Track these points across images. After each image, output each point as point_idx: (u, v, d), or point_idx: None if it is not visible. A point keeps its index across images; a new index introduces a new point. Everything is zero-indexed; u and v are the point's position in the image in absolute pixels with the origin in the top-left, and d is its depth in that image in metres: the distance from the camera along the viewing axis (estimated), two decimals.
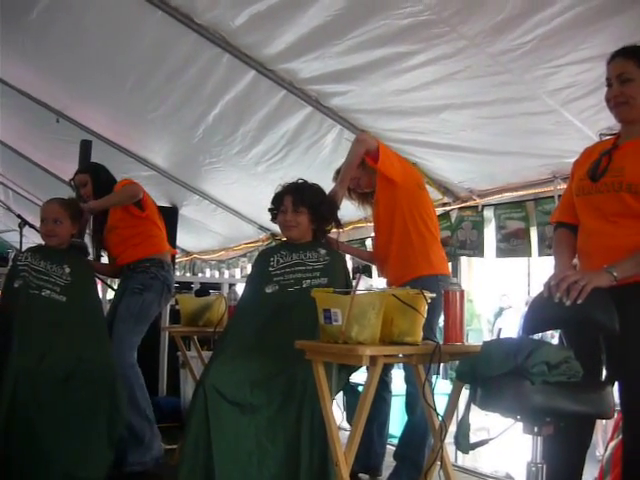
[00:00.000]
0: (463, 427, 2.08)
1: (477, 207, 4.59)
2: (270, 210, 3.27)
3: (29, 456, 3.10)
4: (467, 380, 2.08)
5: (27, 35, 4.77)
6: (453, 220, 4.74)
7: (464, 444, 2.10)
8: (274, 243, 3.58)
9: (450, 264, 4.60)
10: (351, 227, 5.51)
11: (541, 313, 2.23)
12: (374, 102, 4.13)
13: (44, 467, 3.10)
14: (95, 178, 3.91)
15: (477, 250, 4.59)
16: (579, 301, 2.07)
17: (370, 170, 3.38)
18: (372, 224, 4.62)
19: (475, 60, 3.35)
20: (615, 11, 2.79)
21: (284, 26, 3.72)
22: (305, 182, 3.25)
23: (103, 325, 3.55)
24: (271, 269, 3.13)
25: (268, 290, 3.06)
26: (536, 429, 2.00)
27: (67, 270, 3.52)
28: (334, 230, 3.38)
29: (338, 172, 3.57)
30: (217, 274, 7.92)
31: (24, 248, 3.93)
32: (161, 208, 6.66)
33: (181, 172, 6.30)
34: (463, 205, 4.70)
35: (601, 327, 2.11)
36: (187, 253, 8.58)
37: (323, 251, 3.15)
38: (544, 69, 3.22)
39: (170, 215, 6.73)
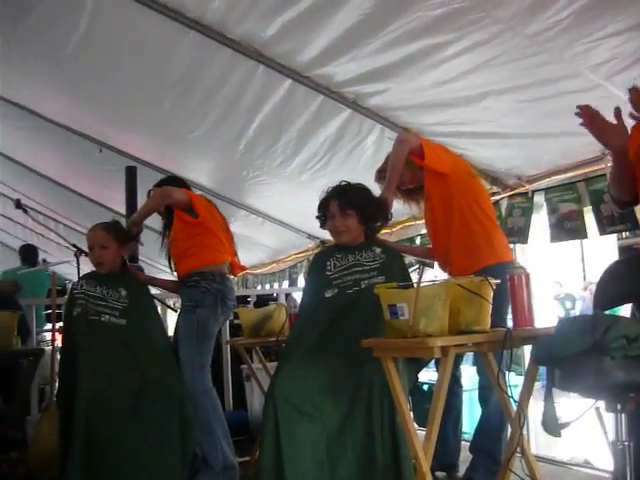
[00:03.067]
0: (549, 410, 2.05)
1: (527, 193, 4.52)
2: (318, 217, 3.26)
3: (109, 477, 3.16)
4: (544, 362, 2.04)
5: (64, 69, 4.88)
6: (503, 209, 4.68)
7: (553, 427, 2.07)
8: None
9: None
10: (400, 227, 5.48)
11: (610, 289, 2.19)
12: (413, 97, 4.10)
13: None
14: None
15: (522, 236, 4.51)
16: None
17: (413, 166, 3.35)
18: (420, 222, 4.58)
19: (512, 43, 3.31)
20: None
21: (315, 31, 3.72)
22: (349, 184, 3.24)
23: (166, 344, 3.57)
24: (329, 273, 3.12)
25: (328, 294, 3.06)
26: (619, 406, 1.95)
27: (123, 293, 3.55)
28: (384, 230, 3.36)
29: (380, 171, 3.54)
30: (268, 287, 7.93)
31: None
32: None
33: (226, 189, 6.33)
34: (513, 192, 4.64)
35: None
36: None
37: (378, 250, 3.14)
38: (583, 44, 3.16)
39: None
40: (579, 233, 4.21)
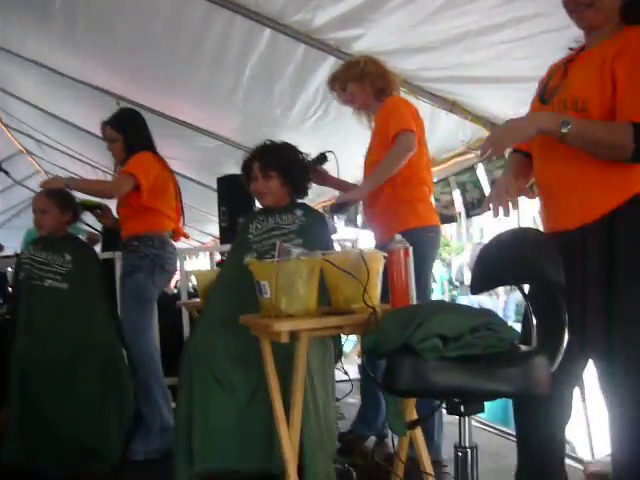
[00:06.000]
0: (391, 409, 1.81)
1: None
2: (242, 178, 3.08)
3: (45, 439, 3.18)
4: (373, 356, 1.81)
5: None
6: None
7: (397, 426, 1.84)
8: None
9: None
10: None
11: (484, 269, 1.92)
12: (394, 42, 3.80)
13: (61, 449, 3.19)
14: (127, 140, 3.63)
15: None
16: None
17: (369, 91, 3.22)
18: None
19: None
20: None
21: None
22: (272, 143, 3.04)
23: (107, 309, 3.53)
24: (250, 236, 2.98)
25: (246, 259, 2.87)
26: (463, 408, 1.68)
27: (68, 257, 3.53)
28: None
29: (334, 79, 3.35)
30: None
31: None
32: (233, 176, 6.61)
33: (243, 139, 6.19)
34: None
35: (544, 278, 1.74)
36: None
37: (300, 212, 2.96)
38: None
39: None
40: None
